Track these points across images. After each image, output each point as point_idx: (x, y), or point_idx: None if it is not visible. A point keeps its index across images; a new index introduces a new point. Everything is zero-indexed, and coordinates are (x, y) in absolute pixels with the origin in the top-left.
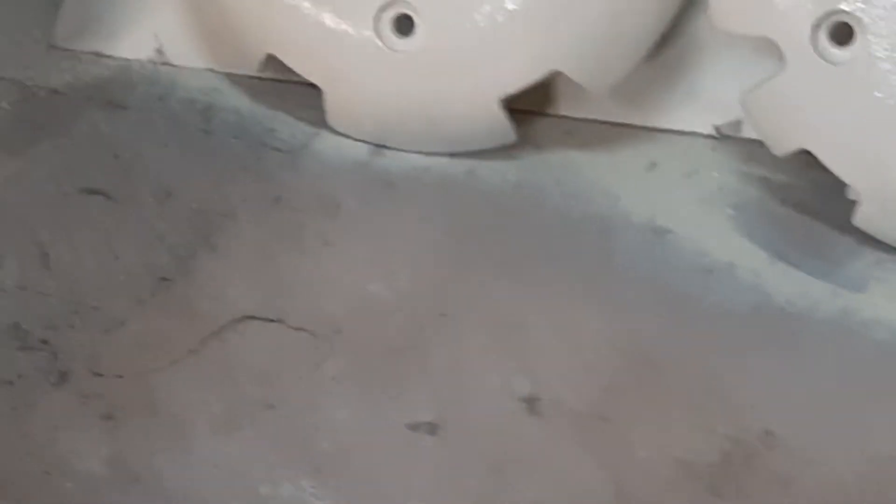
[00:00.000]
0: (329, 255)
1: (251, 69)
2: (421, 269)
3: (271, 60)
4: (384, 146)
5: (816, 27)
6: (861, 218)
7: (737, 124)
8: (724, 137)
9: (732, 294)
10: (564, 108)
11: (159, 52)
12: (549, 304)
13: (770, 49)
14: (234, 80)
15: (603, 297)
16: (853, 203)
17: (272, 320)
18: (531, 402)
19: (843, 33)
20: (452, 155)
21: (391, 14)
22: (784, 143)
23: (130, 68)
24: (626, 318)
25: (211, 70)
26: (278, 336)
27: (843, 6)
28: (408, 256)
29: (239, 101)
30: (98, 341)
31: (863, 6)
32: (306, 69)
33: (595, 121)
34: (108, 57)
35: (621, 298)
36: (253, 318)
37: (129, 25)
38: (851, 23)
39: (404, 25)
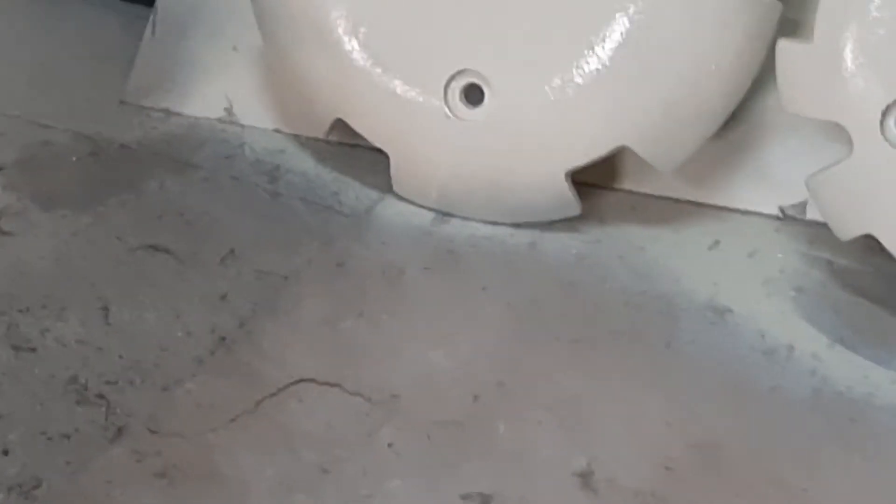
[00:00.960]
0: (390, 321)
1: (319, 132)
2: (481, 339)
3: (339, 124)
4: (448, 214)
5: (886, 114)
6: None
7: (802, 206)
8: (789, 219)
9: (791, 377)
10: (630, 183)
11: (228, 111)
12: (607, 380)
13: (838, 133)
14: (302, 142)
15: (662, 377)
16: None
17: (330, 384)
18: (586, 478)
19: None
20: (516, 225)
21: (461, 83)
22: (848, 228)
23: (199, 126)
24: (684, 398)
25: (279, 131)
26: (335, 401)
27: None
28: (468, 326)
29: (306, 163)
30: (156, 399)
31: None
32: (374, 135)
33: (660, 197)
34: (178, 115)
35: (680, 378)
36: (311, 381)
37: (200, 84)
38: None
39: (474, 95)
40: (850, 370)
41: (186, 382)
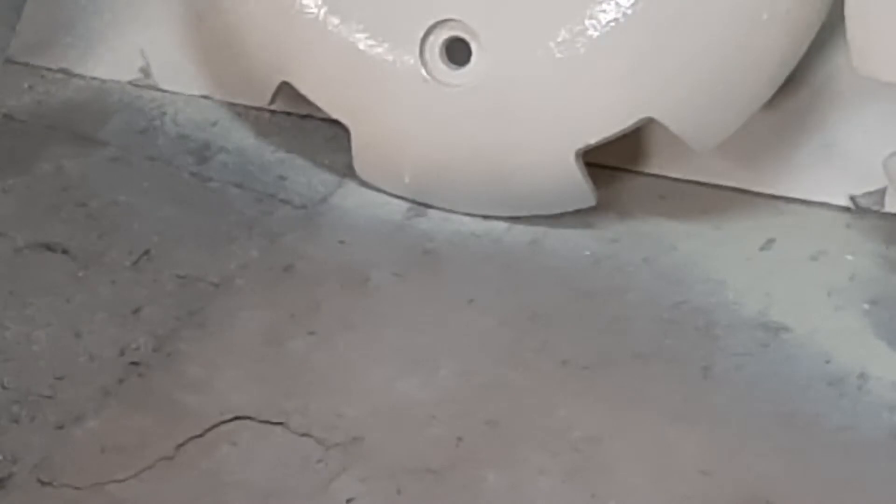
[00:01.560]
0: (349, 341)
1: (261, 100)
2: (466, 365)
3: (286, 89)
4: (426, 205)
5: None
6: None
7: (879, 195)
8: (862, 211)
9: (865, 414)
10: (658, 165)
11: (145, 72)
12: (629, 417)
13: None
14: (238, 112)
15: (699, 412)
16: None
17: (272, 423)
18: None
19: None
20: (514, 219)
21: (442, 37)
22: None
23: (107, 91)
24: (727, 440)
25: (209, 98)
26: (279, 444)
27: None
28: (450, 348)
29: (243, 139)
30: (49, 440)
31: None
32: (330, 102)
33: (697, 183)
34: (80, 76)
35: (723, 415)
36: (248, 418)
37: (108, 37)
38: None
39: (458, 52)
40: None
41: (88, 419)
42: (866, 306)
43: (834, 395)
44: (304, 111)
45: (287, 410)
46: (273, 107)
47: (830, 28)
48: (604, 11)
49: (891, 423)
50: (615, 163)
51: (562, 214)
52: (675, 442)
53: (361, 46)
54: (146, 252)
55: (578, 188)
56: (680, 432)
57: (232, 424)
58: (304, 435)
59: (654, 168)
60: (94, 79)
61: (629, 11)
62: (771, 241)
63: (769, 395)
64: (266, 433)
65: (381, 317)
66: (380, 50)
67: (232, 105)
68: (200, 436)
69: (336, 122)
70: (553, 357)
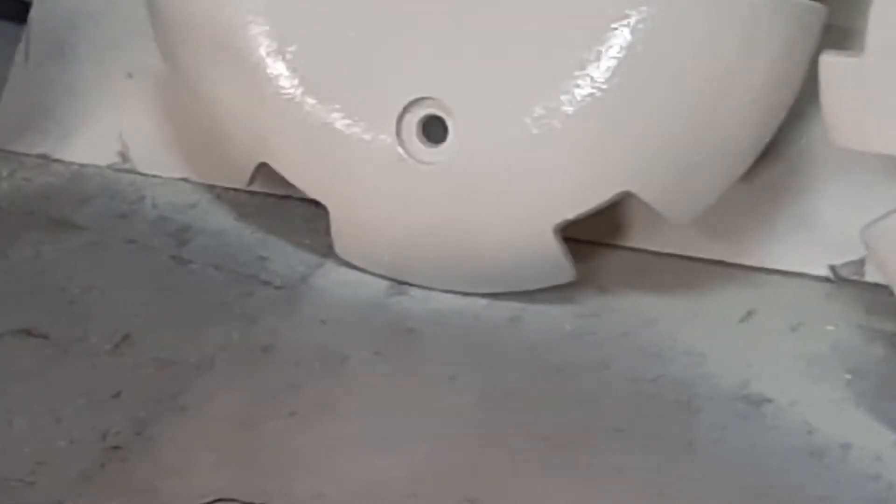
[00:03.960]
0: (329, 422)
1: (239, 181)
2: (444, 444)
3: (264, 170)
4: (406, 283)
5: None
6: None
7: (858, 265)
8: (842, 281)
9: (848, 485)
10: (637, 239)
11: (123, 156)
12: (609, 493)
13: None
14: (218, 193)
15: (680, 487)
16: None
17: None
18: None
19: None
20: (493, 296)
21: (418, 115)
22: None
23: (86, 176)
24: None
25: (187, 180)
26: None
27: None
28: (429, 426)
29: (223, 220)
30: None
31: None
32: (308, 183)
33: (676, 256)
34: (59, 161)
35: (703, 489)
36: (229, 500)
37: (87, 122)
38: None
39: (434, 130)
40: None
41: None
42: (848, 376)
43: (816, 466)
44: (283, 192)
45: (269, 491)
46: (252, 188)
47: (805, 100)
48: (578, 87)
49: (875, 494)
50: (594, 237)
51: (541, 290)
52: None
53: (338, 126)
54: (126, 336)
55: (557, 263)
56: None
57: None
58: None
59: (632, 241)
60: (73, 163)
61: (604, 86)
62: (751, 313)
63: (750, 467)
64: None
65: (361, 396)
66: (356, 129)
67: (211, 187)
68: None
69: (316, 203)
70: (533, 434)
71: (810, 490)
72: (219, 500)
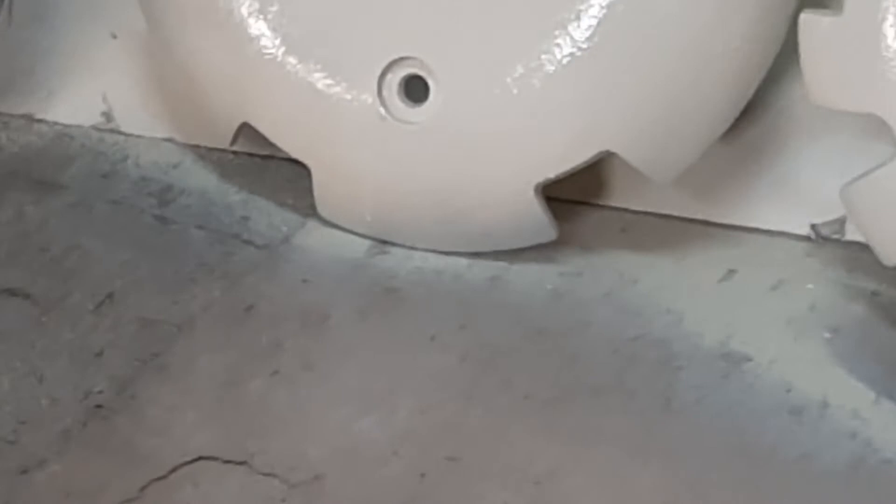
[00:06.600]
0: (311, 381)
1: (222, 141)
2: (426, 402)
3: (247, 130)
4: (387, 242)
5: None
6: None
7: (838, 224)
8: (822, 240)
9: (826, 443)
10: (619, 198)
11: (107, 116)
12: (589, 451)
13: (880, 130)
14: (201, 154)
15: (660, 444)
16: None
17: (235, 462)
18: None
19: None
20: (474, 255)
21: (399, 75)
22: None
23: (69, 136)
24: (686, 473)
25: (171, 140)
26: (242, 483)
27: None
28: (410, 386)
29: (205, 181)
30: (11, 485)
31: None
32: (290, 143)
33: (657, 215)
34: (42, 122)
35: (683, 447)
36: (210, 459)
37: (70, 83)
38: None
39: (416, 90)
40: None
41: (51, 463)
42: (827, 335)
43: (795, 425)
44: (265, 152)
45: (250, 450)
46: (235, 148)
47: (785, 59)
48: (559, 46)
49: (852, 450)
50: (576, 196)
51: (523, 249)
52: (634, 475)
53: (319, 86)
54: (109, 295)
55: (539, 223)
56: (639, 466)
57: (195, 465)
58: (267, 475)
59: (614, 201)
60: (57, 124)
61: (584, 46)
62: (731, 272)
63: (729, 425)
64: (229, 473)
65: (343, 355)
66: (338, 89)
67: (194, 147)
68: (164, 477)
69: (298, 163)
70: (514, 393)
71: (789, 448)
72: (200, 458)
